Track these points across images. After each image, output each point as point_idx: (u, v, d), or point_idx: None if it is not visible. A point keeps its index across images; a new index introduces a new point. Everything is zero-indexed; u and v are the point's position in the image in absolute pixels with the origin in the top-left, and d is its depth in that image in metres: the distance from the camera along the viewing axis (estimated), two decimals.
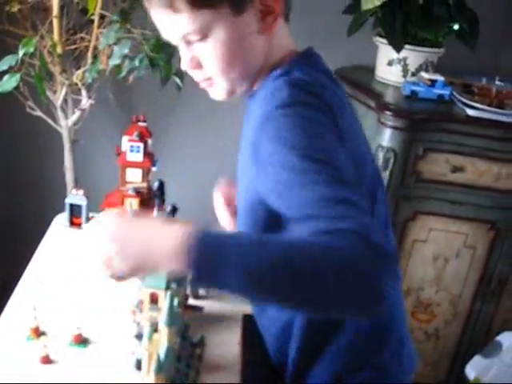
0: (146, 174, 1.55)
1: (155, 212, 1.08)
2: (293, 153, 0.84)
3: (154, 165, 1.57)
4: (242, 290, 0.80)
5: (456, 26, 1.88)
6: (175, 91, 1.77)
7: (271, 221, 0.93)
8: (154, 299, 1.07)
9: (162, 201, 1.08)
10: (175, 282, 1.07)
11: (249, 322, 1.20)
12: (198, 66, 1.00)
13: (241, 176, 1.06)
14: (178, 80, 1.61)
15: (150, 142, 1.56)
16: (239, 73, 1.01)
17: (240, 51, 0.99)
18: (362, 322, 1.05)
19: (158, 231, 0.83)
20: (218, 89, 1.03)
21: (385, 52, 2.00)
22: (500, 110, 1.81)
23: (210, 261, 0.78)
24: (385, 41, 1.94)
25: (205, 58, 0.99)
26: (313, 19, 2.13)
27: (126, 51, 1.57)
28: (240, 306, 1.27)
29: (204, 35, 0.95)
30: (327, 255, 0.76)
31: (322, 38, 2.14)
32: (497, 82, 1.97)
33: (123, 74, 1.64)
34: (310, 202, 0.80)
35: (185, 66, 1.01)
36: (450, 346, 2.19)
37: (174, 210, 1.08)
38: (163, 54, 1.54)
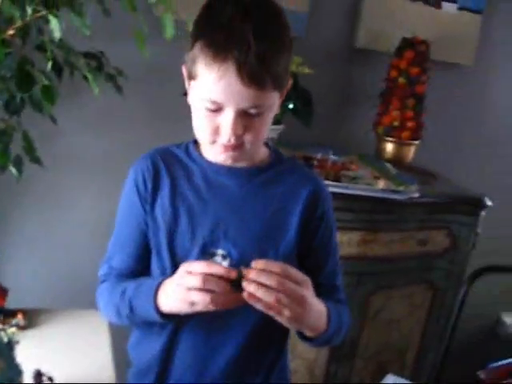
0: None
1: None
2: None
3: None
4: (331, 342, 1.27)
5: (291, 105, 1.99)
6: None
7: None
8: None
9: None
10: (7, 382, 1.03)
11: None
12: (242, 132, 1.12)
13: (265, 231, 1.23)
14: (14, 170, 1.57)
15: None
16: (260, 143, 1.21)
17: (269, 124, 1.19)
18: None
19: (322, 308, 1.17)
20: (241, 153, 1.16)
21: None
22: (336, 183, 1.92)
23: (331, 333, 1.21)
24: None
25: (253, 127, 1.13)
26: (156, 100, 2.19)
27: None
28: None
29: (264, 110, 1.12)
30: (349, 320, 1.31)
31: (168, 116, 2.21)
32: (331, 156, 2.10)
33: None
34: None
35: (233, 130, 1.11)
36: None
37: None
38: None
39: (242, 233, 1.22)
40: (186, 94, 1.95)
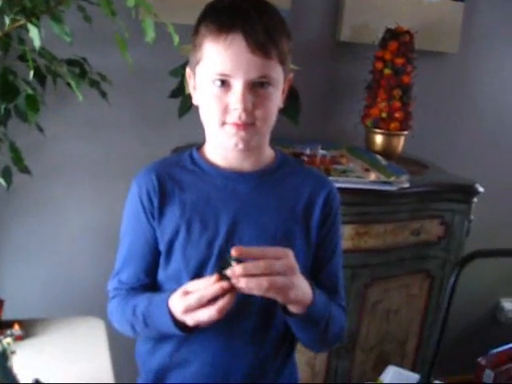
0: None
1: None
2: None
3: None
4: (319, 331, 1.21)
5: None
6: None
7: None
8: None
9: None
10: None
11: None
12: (252, 108, 1.13)
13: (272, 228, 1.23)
14: (2, 181, 1.57)
15: None
16: (268, 127, 1.20)
17: (276, 109, 1.20)
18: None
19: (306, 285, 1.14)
20: (252, 135, 1.16)
21: None
22: None
23: (319, 312, 1.17)
24: None
25: (262, 104, 1.14)
26: (141, 104, 2.19)
27: None
28: None
29: (270, 83, 1.14)
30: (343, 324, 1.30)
31: (154, 120, 2.21)
32: (320, 151, 2.10)
33: None
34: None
35: (242, 103, 1.12)
36: None
37: None
38: None
39: (258, 236, 1.22)
40: (172, 96, 1.97)
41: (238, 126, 1.14)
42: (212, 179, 1.24)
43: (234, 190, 1.23)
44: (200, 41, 1.15)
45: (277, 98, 1.18)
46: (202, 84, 1.18)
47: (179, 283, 1.16)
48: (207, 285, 1.07)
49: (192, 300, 1.09)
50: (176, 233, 1.22)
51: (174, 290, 1.15)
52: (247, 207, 1.23)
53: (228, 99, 1.13)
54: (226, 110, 1.14)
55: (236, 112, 1.13)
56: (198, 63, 1.17)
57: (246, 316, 1.23)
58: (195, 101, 1.24)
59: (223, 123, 1.15)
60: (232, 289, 1.05)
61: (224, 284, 1.05)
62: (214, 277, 1.06)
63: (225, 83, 1.13)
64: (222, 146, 1.21)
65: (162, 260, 1.26)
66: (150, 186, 1.24)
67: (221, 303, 1.06)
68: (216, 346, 1.25)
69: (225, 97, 1.14)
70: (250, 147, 1.19)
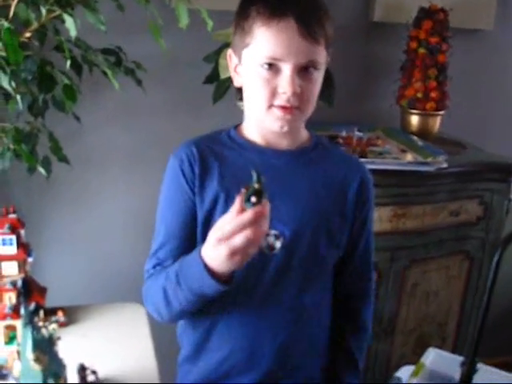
0: (22, 265, 1.51)
1: (22, 309, 1.06)
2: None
3: (29, 255, 1.53)
4: None
5: None
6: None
7: None
8: None
9: (28, 297, 1.07)
10: (52, 376, 1.05)
11: None
12: (299, 92, 1.15)
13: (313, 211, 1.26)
14: (42, 170, 1.59)
15: (22, 232, 1.54)
16: (311, 110, 1.22)
17: (318, 92, 1.22)
18: None
19: None
20: (295, 118, 1.19)
21: None
22: (363, 159, 1.90)
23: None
24: None
25: (307, 89, 1.17)
26: (176, 91, 2.19)
27: None
28: None
29: (316, 68, 1.17)
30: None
31: (189, 107, 2.21)
32: (356, 133, 2.08)
33: None
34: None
35: (291, 87, 1.14)
36: None
37: (38, 308, 1.07)
38: (26, 145, 1.53)
39: (294, 211, 1.24)
40: (207, 82, 1.97)
41: (285, 109, 1.17)
42: (249, 154, 1.27)
43: (271, 166, 1.25)
44: (250, 25, 1.16)
45: (320, 81, 1.21)
46: (248, 67, 1.19)
47: None
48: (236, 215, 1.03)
49: (226, 227, 1.03)
50: (214, 205, 1.24)
51: None
52: (283, 181, 1.25)
53: (276, 82, 1.16)
54: (273, 92, 1.16)
55: (284, 95, 1.15)
56: (246, 46, 1.18)
57: (273, 305, 1.27)
58: (237, 83, 1.26)
59: (270, 106, 1.17)
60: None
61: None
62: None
63: (273, 66, 1.15)
64: (267, 128, 1.23)
65: (199, 232, 1.26)
66: (191, 156, 1.26)
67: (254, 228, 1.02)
68: (244, 333, 1.28)
69: (273, 80, 1.16)
70: (292, 129, 1.22)
